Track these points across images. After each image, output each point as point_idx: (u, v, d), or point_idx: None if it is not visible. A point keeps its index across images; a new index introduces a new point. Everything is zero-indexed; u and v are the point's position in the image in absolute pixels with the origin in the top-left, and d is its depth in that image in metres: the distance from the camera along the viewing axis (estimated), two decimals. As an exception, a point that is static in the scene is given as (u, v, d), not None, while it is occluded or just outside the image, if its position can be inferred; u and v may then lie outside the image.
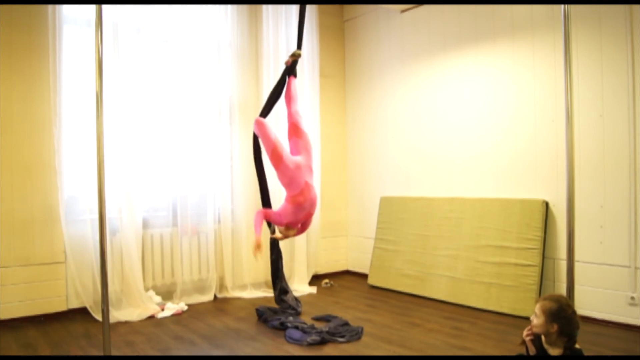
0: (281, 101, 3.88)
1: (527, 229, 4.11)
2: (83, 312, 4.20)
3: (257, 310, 4.21)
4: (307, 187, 3.45)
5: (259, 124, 3.55)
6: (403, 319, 4.06)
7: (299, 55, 3.84)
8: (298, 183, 3.42)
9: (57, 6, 4.10)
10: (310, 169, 3.54)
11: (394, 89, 5.42)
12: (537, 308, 2.29)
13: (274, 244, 4.37)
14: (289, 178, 3.42)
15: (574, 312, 2.26)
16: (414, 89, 5.21)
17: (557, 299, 2.31)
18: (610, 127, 3.72)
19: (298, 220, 3.49)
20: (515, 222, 4.20)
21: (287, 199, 3.47)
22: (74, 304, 4.24)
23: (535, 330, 2.30)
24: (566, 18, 2.75)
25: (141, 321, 4.14)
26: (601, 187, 3.77)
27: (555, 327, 2.23)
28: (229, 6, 4.97)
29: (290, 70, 3.83)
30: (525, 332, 2.35)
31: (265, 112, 3.80)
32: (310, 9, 5.45)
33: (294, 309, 4.23)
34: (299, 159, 3.50)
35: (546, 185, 4.11)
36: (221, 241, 4.93)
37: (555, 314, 2.23)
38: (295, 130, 3.64)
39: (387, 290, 5.04)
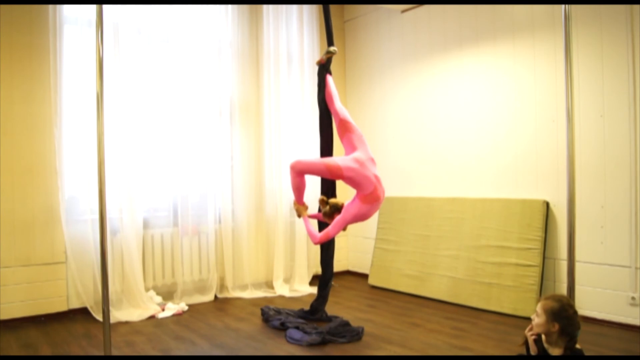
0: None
1: (527, 229, 4.10)
2: (84, 312, 4.21)
3: (262, 309, 4.22)
4: (378, 180, 3.28)
5: (296, 166, 3.34)
6: (404, 319, 4.06)
7: (335, 52, 3.77)
8: (369, 180, 3.23)
9: (58, 6, 4.11)
10: (372, 161, 3.35)
11: (394, 89, 5.42)
12: (539, 307, 2.29)
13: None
14: (359, 178, 3.23)
15: (575, 312, 2.26)
16: (414, 89, 5.21)
17: (559, 299, 2.31)
18: (611, 127, 3.72)
19: (369, 216, 3.33)
20: (515, 222, 4.20)
21: (360, 199, 3.26)
22: (75, 304, 4.24)
23: (536, 329, 2.30)
24: (567, 18, 2.75)
25: (142, 321, 4.14)
26: (602, 187, 3.77)
27: (556, 327, 2.23)
28: (230, 6, 4.97)
29: (326, 68, 3.79)
30: (527, 332, 2.35)
31: (323, 121, 3.80)
32: (310, 9, 5.46)
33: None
34: (358, 155, 3.33)
35: (547, 185, 4.11)
36: (222, 241, 4.93)
37: (557, 313, 2.23)
38: (345, 127, 3.48)
39: (387, 290, 5.04)
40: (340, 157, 3.37)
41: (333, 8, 5.91)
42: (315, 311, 4.09)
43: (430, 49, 5.03)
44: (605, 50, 3.74)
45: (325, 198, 3.58)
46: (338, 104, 3.65)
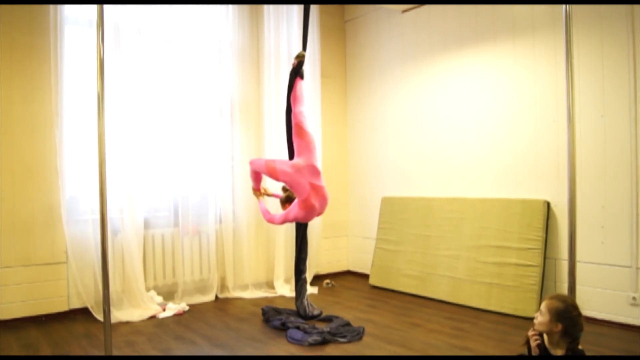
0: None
1: (528, 229, 4.10)
2: (84, 312, 4.21)
3: (262, 309, 4.22)
4: (314, 188, 3.46)
5: (251, 164, 3.81)
6: (404, 319, 4.06)
7: (304, 57, 3.85)
8: (303, 187, 3.44)
9: (59, 6, 4.11)
10: (314, 169, 3.51)
11: (394, 89, 5.42)
12: (543, 306, 2.28)
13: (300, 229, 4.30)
14: (292, 182, 3.47)
15: (579, 314, 2.25)
16: (414, 89, 5.21)
17: (564, 299, 2.30)
18: (612, 127, 3.72)
19: (308, 220, 3.68)
20: (516, 222, 4.20)
21: (298, 203, 3.51)
22: (75, 304, 4.24)
23: (538, 328, 2.29)
24: (567, 18, 2.75)
25: (142, 321, 4.14)
26: (602, 187, 3.77)
27: (559, 327, 2.23)
28: (230, 6, 4.97)
29: (296, 71, 3.84)
30: (530, 333, 2.34)
31: (288, 119, 3.88)
32: (311, 9, 5.44)
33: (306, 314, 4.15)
34: (297, 161, 3.52)
35: (547, 185, 4.11)
36: (222, 241, 4.93)
37: (561, 314, 2.23)
38: (298, 131, 3.63)
39: (388, 290, 5.04)
40: (281, 161, 3.68)
41: (333, 8, 5.94)
42: (303, 311, 4.11)
43: (430, 49, 5.03)
44: (606, 50, 3.74)
45: (286, 188, 3.85)
46: (299, 108, 3.76)
